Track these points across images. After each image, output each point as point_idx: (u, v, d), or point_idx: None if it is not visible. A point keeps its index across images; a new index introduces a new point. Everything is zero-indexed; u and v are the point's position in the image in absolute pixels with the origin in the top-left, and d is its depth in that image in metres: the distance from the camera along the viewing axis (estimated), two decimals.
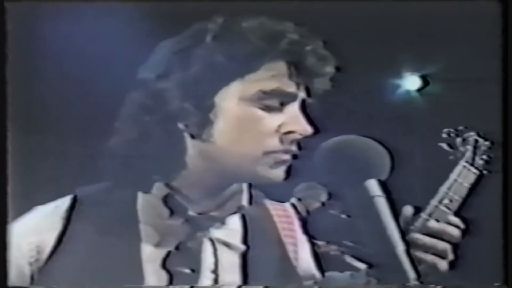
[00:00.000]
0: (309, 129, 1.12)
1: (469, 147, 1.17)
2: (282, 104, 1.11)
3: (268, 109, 1.10)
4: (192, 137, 1.12)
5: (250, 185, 1.17)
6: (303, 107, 1.13)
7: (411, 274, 1.16)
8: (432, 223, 1.16)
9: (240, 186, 1.16)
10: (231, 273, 1.15)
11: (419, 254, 1.16)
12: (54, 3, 1.18)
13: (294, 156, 1.14)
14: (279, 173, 1.13)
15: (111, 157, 1.16)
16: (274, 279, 1.16)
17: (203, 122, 1.11)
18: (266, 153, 1.11)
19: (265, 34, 1.11)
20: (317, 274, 1.16)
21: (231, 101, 1.10)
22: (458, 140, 1.17)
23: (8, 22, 1.18)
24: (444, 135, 1.17)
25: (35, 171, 1.17)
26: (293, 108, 1.12)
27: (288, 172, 1.15)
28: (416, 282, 1.16)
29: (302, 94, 1.12)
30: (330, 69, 1.14)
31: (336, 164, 1.17)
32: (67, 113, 1.17)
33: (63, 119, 1.17)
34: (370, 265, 1.17)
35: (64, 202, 1.15)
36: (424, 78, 1.17)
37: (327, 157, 1.16)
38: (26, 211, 1.16)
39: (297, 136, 1.12)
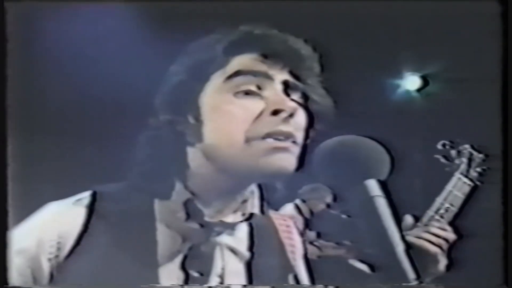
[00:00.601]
0: (292, 104, 1.11)
1: (464, 159, 1.17)
2: (260, 88, 1.11)
3: (245, 94, 1.11)
4: (190, 144, 1.13)
5: (261, 193, 1.17)
6: (286, 88, 1.13)
7: (411, 274, 1.16)
8: (426, 235, 1.17)
9: (251, 193, 1.16)
10: (236, 278, 1.15)
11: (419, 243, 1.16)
12: (54, 3, 1.19)
13: (303, 146, 1.14)
14: (282, 162, 1.12)
15: (112, 158, 1.16)
16: (276, 284, 1.16)
17: (193, 126, 1.12)
18: (250, 140, 1.10)
19: (217, 36, 1.13)
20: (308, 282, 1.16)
21: (209, 98, 1.12)
22: (454, 152, 1.17)
23: (8, 22, 1.18)
24: (440, 147, 1.17)
25: (35, 172, 1.17)
26: (273, 89, 1.12)
27: (300, 163, 1.14)
28: (416, 282, 1.16)
29: (280, 76, 1.12)
30: (298, 46, 1.14)
31: (336, 164, 1.16)
32: (67, 113, 1.17)
33: (63, 119, 1.17)
34: (372, 268, 1.17)
35: (84, 198, 1.15)
36: (424, 78, 1.17)
37: (327, 157, 1.16)
38: (26, 212, 1.16)
39: (284, 114, 1.11)
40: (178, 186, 1.14)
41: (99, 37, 1.17)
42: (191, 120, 1.12)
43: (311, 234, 1.17)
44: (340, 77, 1.16)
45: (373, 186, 1.16)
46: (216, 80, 1.11)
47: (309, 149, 1.16)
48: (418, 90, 1.17)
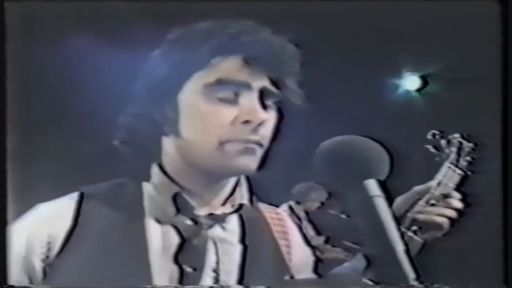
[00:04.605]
0: (263, 116, 1.13)
1: (453, 149, 1.17)
2: (237, 95, 1.13)
3: (222, 101, 1.13)
4: (165, 134, 1.15)
5: (250, 184, 1.18)
6: (261, 96, 1.14)
7: (411, 274, 1.16)
8: (420, 216, 1.17)
9: (239, 184, 1.18)
10: (230, 272, 1.16)
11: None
12: (54, 3, 1.19)
13: (267, 148, 1.16)
14: (246, 162, 1.14)
15: (110, 157, 1.16)
16: (270, 279, 1.17)
17: (172, 119, 1.14)
18: (223, 143, 1.13)
19: (203, 33, 1.14)
20: (313, 275, 1.18)
21: (188, 98, 1.14)
22: (443, 141, 1.18)
23: (8, 22, 1.18)
24: (430, 137, 1.18)
25: (34, 171, 1.17)
26: (249, 98, 1.14)
27: (262, 162, 1.15)
28: (416, 282, 1.16)
29: (258, 83, 1.14)
30: (282, 50, 1.15)
31: (336, 164, 1.16)
32: (67, 113, 1.17)
33: (63, 119, 1.17)
34: (372, 267, 1.17)
35: (72, 200, 1.15)
36: (424, 78, 1.17)
37: (327, 157, 1.16)
38: (26, 211, 1.16)
39: (253, 124, 1.13)
40: (164, 179, 1.16)
41: (100, 37, 1.18)
42: (169, 113, 1.14)
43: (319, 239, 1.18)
44: (340, 77, 1.16)
45: (373, 186, 1.16)
46: (196, 81, 1.13)
47: (308, 150, 1.16)
48: (418, 90, 1.17)
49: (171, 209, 1.15)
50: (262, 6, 1.17)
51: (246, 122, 1.13)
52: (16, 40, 1.18)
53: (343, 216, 1.17)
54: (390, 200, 1.17)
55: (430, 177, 1.18)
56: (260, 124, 1.14)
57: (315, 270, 1.18)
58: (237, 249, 1.17)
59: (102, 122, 1.16)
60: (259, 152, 1.15)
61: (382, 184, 1.16)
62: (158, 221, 1.15)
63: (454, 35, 1.17)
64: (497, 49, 1.18)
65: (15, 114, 1.18)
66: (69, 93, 1.17)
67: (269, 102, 1.15)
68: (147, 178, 1.16)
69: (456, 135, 1.17)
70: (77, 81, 1.17)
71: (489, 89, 1.18)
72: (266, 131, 1.15)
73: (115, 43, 1.17)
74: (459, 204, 1.18)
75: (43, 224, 1.14)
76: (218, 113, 1.13)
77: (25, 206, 1.16)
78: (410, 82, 1.17)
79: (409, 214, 1.17)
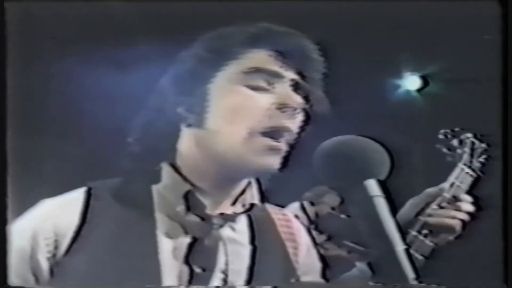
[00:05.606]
0: (299, 100, 1.14)
1: (466, 149, 1.17)
2: (270, 84, 1.14)
3: (255, 88, 1.13)
4: (189, 125, 1.15)
5: (259, 182, 1.18)
6: (295, 87, 1.15)
7: (411, 274, 1.16)
8: (431, 219, 1.17)
9: (249, 183, 1.17)
10: (239, 273, 1.16)
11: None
12: (54, 3, 1.19)
13: (291, 147, 1.15)
14: (271, 161, 1.13)
15: (115, 155, 1.16)
16: (277, 280, 1.17)
17: (197, 110, 1.14)
18: (254, 134, 1.12)
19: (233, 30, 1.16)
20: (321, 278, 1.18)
21: (221, 86, 1.14)
22: (455, 141, 1.18)
23: (8, 22, 1.18)
24: (441, 137, 1.17)
25: (34, 171, 1.17)
26: (283, 86, 1.14)
27: (284, 162, 1.15)
28: (415, 282, 1.16)
29: (290, 75, 1.14)
30: (309, 48, 1.16)
31: (336, 164, 1.17)
32: (67, 113, 1.17)
33: (63, 119, 1.17)
34: (372, 268, 1.17)
35: (79, 195, 1.15)
36: (424, 78, 1.17)
37: (327, 157, 1.16)
38: (26, 212, 1.16)
39: (290, 109, 1.13)
40: (176, 177, 1.15)
41: (101, 36, 1.18)
42: (195, 104, 1.14)
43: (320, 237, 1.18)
44: (340, 77, 1.16)
45: (373, 186, 1.16)
46: (230, 69, 1.14)
47: (298, 150, 1.16)
48: (418, 90, 1.17)
49: (182, 208, 1.15)
50: (264, 8, 1.17)
51: (283, 106, 1.13)
52: (16, 41, 1.18)
53: (343, 216, 1.17)
54: (390, 200, 1.17)
55: (431, 176, 1.18)
56: (296, 110, 1.14)
57: (322, 273, 1.17)
58: (246, 250, 1.16)
59: (104, 123, 1.16)
60: (284, 151, 1.15)
61: (382, 184, 1.17)
62: (168, 218, 1.14)
63: (454, 35, 1.17)
64: (497, 49, 1.18)
65: (15, 114, 1.18)
66: (70, 93, 1.17)
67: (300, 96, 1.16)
68: (156, 178, 1.15)
69: (469, 135, 1.17)
70: (78, 81, 1.17)
71: (489, 89, 1.18)
72: (297, 123, 1.15)
73: (115, 44, 1.17)
74: (470, 207, 1.17)
75: (49, 221, 1.13)
76: (254, 100, 1.13)
77: (25, 206, 1.16)
78: (411, 82, 1.17)
79: (420, 217, 1.17)
